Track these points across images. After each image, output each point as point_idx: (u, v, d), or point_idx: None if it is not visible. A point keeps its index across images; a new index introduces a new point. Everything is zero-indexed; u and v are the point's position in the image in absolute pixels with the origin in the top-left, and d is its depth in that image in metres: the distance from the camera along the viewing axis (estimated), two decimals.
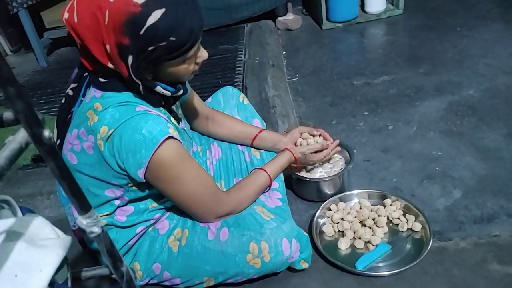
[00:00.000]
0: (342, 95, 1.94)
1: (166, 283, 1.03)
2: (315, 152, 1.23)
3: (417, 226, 1.13)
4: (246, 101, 1.38)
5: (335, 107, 1.87)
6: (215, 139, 1.30)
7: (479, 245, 1.08)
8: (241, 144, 1.29)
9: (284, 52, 2.54)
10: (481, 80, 1.84)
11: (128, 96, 0.88)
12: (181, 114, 1.12)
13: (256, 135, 1.26)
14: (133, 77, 0.82)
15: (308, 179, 1.29)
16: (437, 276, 1.01)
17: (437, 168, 1.38)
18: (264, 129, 1.29)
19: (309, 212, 1.28)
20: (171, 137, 0.85)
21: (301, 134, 1.30)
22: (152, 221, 1.02)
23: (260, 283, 1.04)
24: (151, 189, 0.94)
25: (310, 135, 1.29)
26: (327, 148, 1.24)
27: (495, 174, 1.31)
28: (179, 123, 1.05)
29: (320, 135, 1.30)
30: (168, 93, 0.90)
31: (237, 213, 1.01)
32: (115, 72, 0.84)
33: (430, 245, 1.06)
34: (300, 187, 1.35)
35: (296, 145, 1.27)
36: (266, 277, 1.03)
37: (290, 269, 1.05)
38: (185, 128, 1.09)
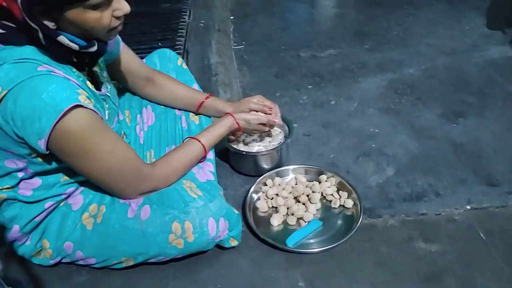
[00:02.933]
0: (288, 67, 1.89)
1: (80, 262, 0.94)
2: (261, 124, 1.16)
3: (349, 203, 1.13)
4: (184, 66, 1.28)
5: (280, 78, 1.81)
6: (153, 102, 1.19)
7: (406, 222, 1.10)
8: (181, 110, 1.19)
9: (232, 17, 2.42)
10: (422, 60, 1.87)
11: (30, 51, 0.74)
12: (106, 77, 0.99)
13: (203, 101, 1.16)
14: (27, 19, 0.69)
15: (245, 153, 1.23)
16: (364, 253, 1.02)
17: (373, 145, 1.38)
18: (211, 95, 1.20)
19: (245, 186, 1.23)
20: (79, 105, 0.73)
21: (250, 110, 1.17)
22: (63, 196, 0.91)
23: (186, 261, 0.98)
24: (60, 162, 0.82)
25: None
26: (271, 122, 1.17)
27: (427, 153, 1.34)
28: (99, 89, 0.92)
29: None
30: (75, 46, 0.77)
31: (163, 189, 0.93)
32: (13, 19, 0.71)
33: (359, 222, 1.06)
34: (237, 161, 1.29)
35: None
36: (194, 255, 0.98)
37: (220, 246, 1.01)
38: (108, 94, 0.96)
